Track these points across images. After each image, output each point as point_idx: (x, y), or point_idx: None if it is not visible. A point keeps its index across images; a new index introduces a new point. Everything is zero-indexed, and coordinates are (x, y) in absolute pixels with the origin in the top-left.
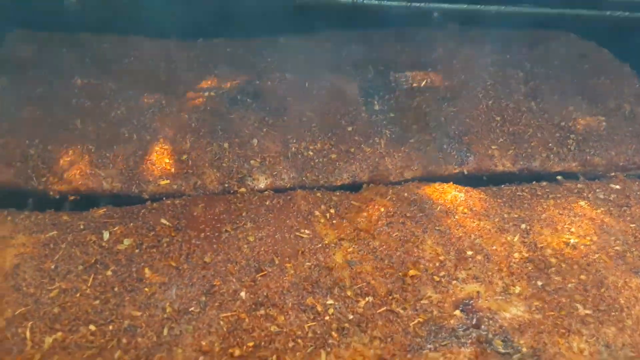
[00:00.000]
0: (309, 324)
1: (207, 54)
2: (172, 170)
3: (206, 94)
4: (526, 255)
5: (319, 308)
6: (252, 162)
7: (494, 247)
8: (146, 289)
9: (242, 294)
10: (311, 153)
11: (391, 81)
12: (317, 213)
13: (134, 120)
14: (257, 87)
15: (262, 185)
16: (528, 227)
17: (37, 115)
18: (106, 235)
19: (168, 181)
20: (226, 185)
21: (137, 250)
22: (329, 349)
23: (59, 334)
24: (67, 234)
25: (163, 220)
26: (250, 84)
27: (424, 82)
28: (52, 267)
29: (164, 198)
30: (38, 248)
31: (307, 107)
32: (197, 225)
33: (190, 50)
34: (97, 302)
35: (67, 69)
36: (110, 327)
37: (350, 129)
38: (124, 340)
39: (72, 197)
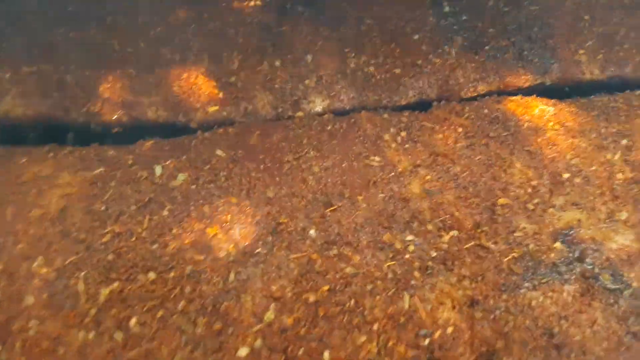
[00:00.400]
0: (387, 264)
1: None
2: (220, 95)
3: (252, 3)
4: (631, 175)
5: (398, 245)
6: (306, 82)
7: (593, 168)
8: (208, 230)
9: (312, 231)
10: (372, 69)
11: None
12: (386, 137)
13: (175, 39)
14: None
15: (319, 108)
16: (630, 143)
17: (70, 37)
18: (158, 170)
19: (217, 107)
20: (280, 109)
21: (193, 186)
22: (412, 291)
23: (116, 284)
24: (115, 170)
25: (218, 152)
26: None
27: None
28: (103, 208)
29: (215, 126)
30: (85, 187)
31: (367, 13)
32: (255, 156)
33: None
34: (155, 246)
35: None
36: (172, 274)
37: (416, 37)
38: (188, 288)
39: (115, 129)
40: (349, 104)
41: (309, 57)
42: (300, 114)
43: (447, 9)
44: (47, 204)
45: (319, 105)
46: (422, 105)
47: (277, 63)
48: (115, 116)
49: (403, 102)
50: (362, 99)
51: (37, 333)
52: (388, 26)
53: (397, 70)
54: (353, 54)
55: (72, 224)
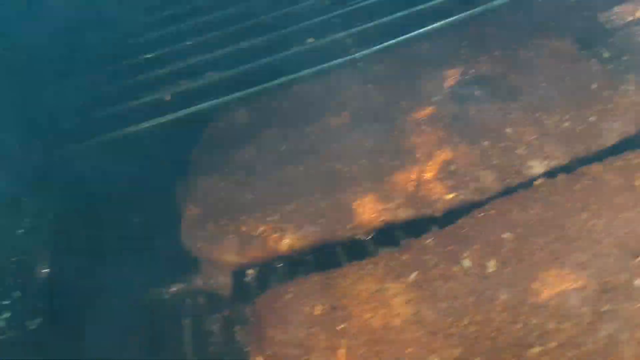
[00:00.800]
0: None
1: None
2: (449, 182)
3: (433, 99)
4: None
5: None
6: (517, 151)
7: None
8: (551, 301)
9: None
10: (567, 124)
11: (603, 23)
12: (636, 183)
13: (385, 150)
14: (475, 77)
15: (540, 170)
16: None
17: (298, 172)
18: (466, 263)
19: (453, 194)
20: (507, 181)
21: (506, 270)
22: None
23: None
24: (427, 271)
25: (505, 235)
26: (466, 75)
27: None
28: (446, 305)
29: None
30: (415, 291)
31: (536, 80)
32: (535, 230)
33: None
34: (519, 325)
35: (294, 120)
36: (551, 345)
37: (594, 86)
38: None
39: (369, 237)
40: (564, 159)
41: (509, 130)
42: (539, 181)
43: (606, 54)
44: (401, 312)
45: (538, 167)
46: (624, 144)
47: (485, 143)
48: (374, 224)
49: (609, 144)
50: (573, 152)
51: None
52: (562, 85)
53: (592, 119)
54: (545, 116)
55: (433, 322)
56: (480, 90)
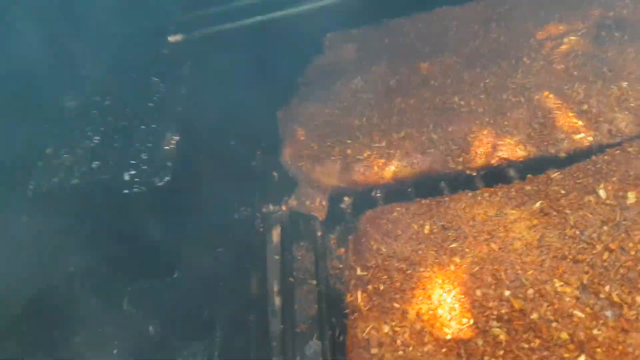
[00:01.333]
0: None
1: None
2: (580, 122)
3: (565, 39)
4: None
5: None
6: None
7: None
8: None
9: None
10: None
11: None
12: None
13: (511, 85)
14: (615, 19)
15: None
16: None
17: (412, 104)
18: (602, 193)
19: (582, 134)
20: None
21: None
22: None
23: None
24: (554, 201)
25: None
26: (605, 17)
27: None
28: (577, 232)
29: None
30: (540, 218)
31: None
32: None
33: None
34: None
35: (407, 56)
36: None
37: None
38: None
39: (482, 172)
40: None
41: None
42: None
43: None
44: (523, 236)
45: None
46: None
47: (624, 84)
48: (491, 159)
49: None
50: None
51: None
52: None
53: None
54: None
55: (560, 248)
56: (620, 32)
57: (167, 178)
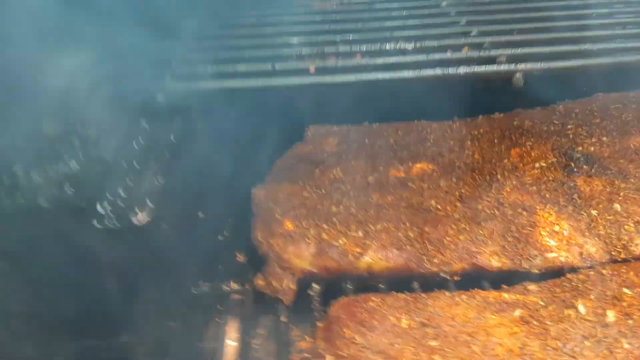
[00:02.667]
0: None
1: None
2: (552, 242)
3: (537, 164)
4: None
5: None
6: (625, 227)
7: None
8: None
9: None
10: None
11: None
12: None
13: (485, 197)
14: (583, 152)
15: None
16: None
17: (390, 201)
18: (582, 309)
19: (555, 254)
20: (613, 253)
21: (629, 321)
22: None
23: None
24: (535, 310)
25: (625, 290)
26: (573, 150)
27: None
28: (559, 344)
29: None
30: (519, 325)
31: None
32: None
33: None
34: None
35: (386, 157)
36: None
37: None
38: None
39: (456, 278)
40: None
41: (617, 206)
42: None
43: None
44: (504, 342)
45: None
46: None
47: (594, 212)
48: (463, 265)
49: None
50: None
51: None
52: None
53: None
54: None
55: (543, 359)
56: (587, 166)
57: (144, 217)
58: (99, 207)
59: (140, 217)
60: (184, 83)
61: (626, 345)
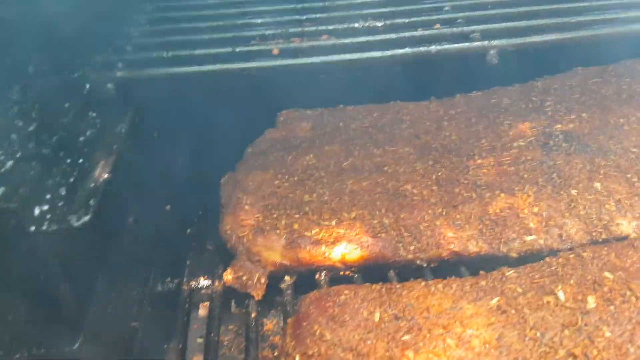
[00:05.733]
0: None
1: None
2: (531, 224)
3: (515, 144)
4: None
5: None
6: (606, 206)
7: None
8: None
9: None
10: None
11: None
12: None
13: (463, 180)
14: (562, 130)
15: (629, 230)
16: None
17: (365, 187)
18: (561, 295)
19: (534, 236)
20: (593, 234)
21: (611, 307)
22: None
23: None
24: (512, 298)
25: (605, 274)
26: (551, 127)
27: None
28: (537, 334)
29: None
30: (496, 315)
31: (628, 143)
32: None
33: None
34: None
35: (361, 141)
36: None
37: None
38: None
39: (433, 265)
40: None
41: (597, 185)
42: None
43: None
44: (480, 333)
45: (628, 227)
46: None
47: (574, 192)
48: (442, 251)
49: None
50: None
51: None
52: None
53: None
54: (636, 178)
55: (521, 350)
56: (567, 144)
57: (85, 218)
58: (36, 211)
59: None
60: (137, 71)
61: (607, 334)
